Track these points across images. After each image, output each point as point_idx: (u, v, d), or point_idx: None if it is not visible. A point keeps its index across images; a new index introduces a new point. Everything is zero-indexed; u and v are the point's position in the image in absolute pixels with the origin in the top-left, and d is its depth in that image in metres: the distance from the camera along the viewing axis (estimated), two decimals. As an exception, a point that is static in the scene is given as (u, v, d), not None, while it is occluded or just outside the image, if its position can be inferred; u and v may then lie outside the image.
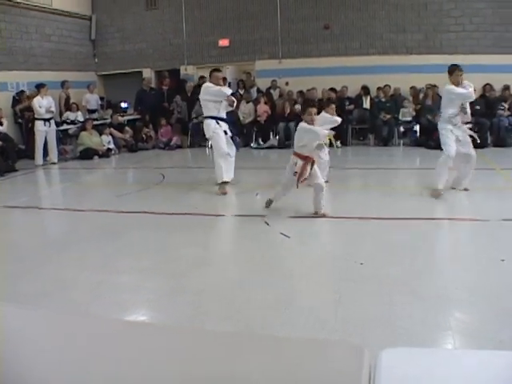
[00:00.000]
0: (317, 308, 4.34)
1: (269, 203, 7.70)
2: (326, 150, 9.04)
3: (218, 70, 9.90)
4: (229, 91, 9.49)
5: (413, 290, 4.62)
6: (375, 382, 1.28)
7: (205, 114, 9.51)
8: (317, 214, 7.28)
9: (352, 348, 1.47)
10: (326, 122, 8.32)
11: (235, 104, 9.70)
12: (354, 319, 4.08)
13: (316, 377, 1.34)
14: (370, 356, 1.40)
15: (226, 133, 9.35)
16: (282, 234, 6.56)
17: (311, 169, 7.15)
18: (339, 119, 8.74)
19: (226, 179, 9.23)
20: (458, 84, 8.26)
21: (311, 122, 7.08)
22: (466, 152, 8.44)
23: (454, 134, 8.35)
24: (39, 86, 13.64)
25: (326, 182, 9.10)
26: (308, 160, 7.07)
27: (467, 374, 1.38)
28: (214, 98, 9.18)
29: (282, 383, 1.36)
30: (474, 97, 8.32)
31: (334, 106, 7.29)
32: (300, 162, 7.09)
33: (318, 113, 7.61)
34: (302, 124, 7.13)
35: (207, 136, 9.54)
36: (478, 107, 13.90)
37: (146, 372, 1.48)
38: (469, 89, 8.16)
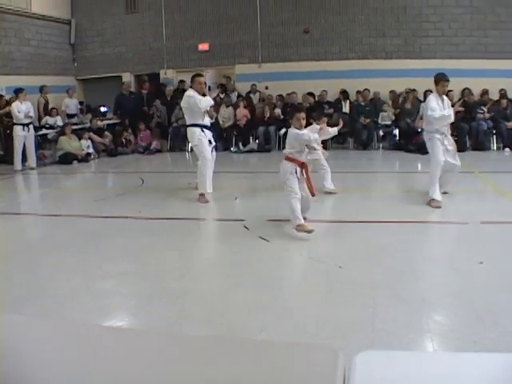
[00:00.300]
0: (298, 311, 4.34)
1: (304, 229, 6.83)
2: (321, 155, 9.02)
3: (199, 74, 9.77)
4: (211, 102, 9.38)
5: (396, 292, 4.63)
6: (350, 385, 1.28)
7: (189, 122, 9.27)
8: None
9: (327, 351, 1.46)
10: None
11: (214, 117, 9.63)
12: (337, 323, 4.08)
13: (291, 380, 1.34)
14: (345, 359, 1.39)
15: (210, 142, 9.21)
16: (261, 237, 6.55)
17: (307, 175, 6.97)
18: (335, 130, 8.59)
19: (209, 190, 9.08)
20: (442, 93, 8.34)
21: (300, 128, 6.95)
22: (452, 161, 8.48)
23: (443, 144, 8.39)
24: (18, 91, 13.52)
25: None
26: (304, 166, 6.94)
27: (444, 376, 1.37)
28: (196, 109, 9.06)
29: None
30: (452, 119, 8.33)
31: (303, 114, 7.03)
32: (298, 169, 6.86)
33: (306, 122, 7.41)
34: (292, 130, 6.98)
35: (192, 144, 9.44)
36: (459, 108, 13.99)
37: (126, 378, 1.47)
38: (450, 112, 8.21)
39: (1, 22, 16.36)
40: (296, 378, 1.34)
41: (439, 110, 8.15)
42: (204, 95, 9.17)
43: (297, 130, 6.80)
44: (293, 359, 1.45)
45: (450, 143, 8.44)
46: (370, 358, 1.42)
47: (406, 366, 1.42)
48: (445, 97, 8.41)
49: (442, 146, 8.34)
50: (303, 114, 6.92)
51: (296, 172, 6.75)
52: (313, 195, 6.88)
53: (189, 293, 4.92)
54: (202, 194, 9.01)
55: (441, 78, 8.30)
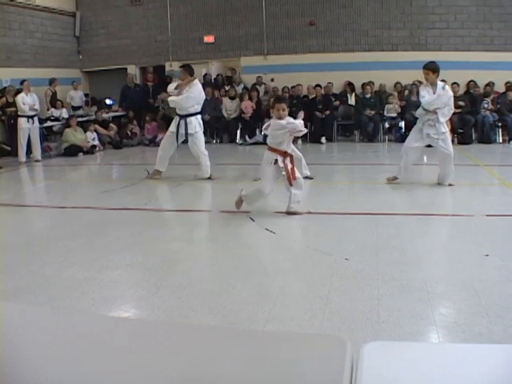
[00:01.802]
0: (303, 303, 4.34)
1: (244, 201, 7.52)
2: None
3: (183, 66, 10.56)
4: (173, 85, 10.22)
5: (401, 284, 4.63)
6: (357, 375, 1.28)
7: (197, 110, 9.92)
8: (291, 212, 7.27)
9: (335, 341, 1.47)
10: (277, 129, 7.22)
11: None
12: (342, 314, 4.09)
13: (298, 371, 1.34)
14: (353, 349, 1.39)
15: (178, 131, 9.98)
16: (267, 229, 6.56)
17: (292, 164, 7.12)
18: (298, 125, 7.08)
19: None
20: (430, 82, 8.65)
21: (279, 119, 7.04)
22: (442, 150, 8.55)
23: (424, 132, 8.63)
24: (23, 83, 13.56)
25: (310, 178, 9.17)
26: (286, 156, 7.05)
27: (451, 367, 1.38)
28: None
29: (265, 377, 1.36)
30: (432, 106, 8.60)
31: (283, 105, 6.97)
32: (280, 159, 7.04)
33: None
34: (275, 121, 7.06)
35: (192, 132, 9.69)
36: (461, 103, 13.99)
37: (131, 368, 1.47)
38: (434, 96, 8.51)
39: (5, 15, 16.35)
40: (304, 368, 1.34)
41: (428, 97, 8.55)
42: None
43: (281, 120, 6.94)
44: (300, 349, 1.45)
45: (437, 132, 8.51)
46: (378, 349, 1.42)
47: (413, 357, 1.42)
48: (439, 85, 8.57)
49: (420, 134, 8.71)
50: (284, 105, 7.09)
51: (276, 162, 7.03)
52: (290, 184, 7.09)
53: (194, 284, 4.92)
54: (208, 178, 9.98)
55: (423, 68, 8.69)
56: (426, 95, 8.50)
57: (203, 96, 10.25)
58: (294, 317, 4.09)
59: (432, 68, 8.53)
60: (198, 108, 9.92)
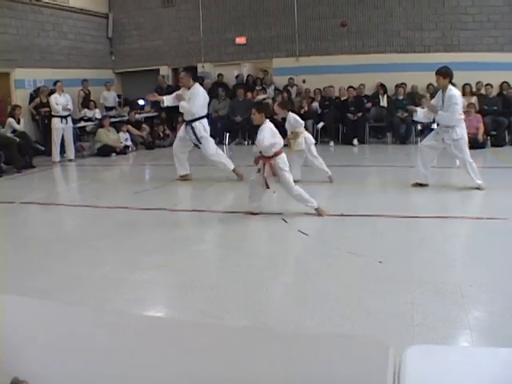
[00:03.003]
0: (337, 305, 4.32)
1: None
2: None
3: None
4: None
5: (434, 288, 4.59)
6: (400, 379, 1.26)
7: (201, 114, 9.93)
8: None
9: (377, 345, 1.45)
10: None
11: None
12: (375, 317, 4.07)
13: (341, 373, 1.32)
14: (395, 353, 1.38)
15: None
16: (300, 231, 6.54)
17: (272, 168, 7.06)
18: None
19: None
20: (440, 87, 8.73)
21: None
22: (458, 156, 8.52)
23: (439, 136, 8.62)
24: (56, 84, 13.72)
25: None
26: (265, 161, 7.03)
27: (493, 371, 1.36)
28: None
29: (304, 380, 1.34)
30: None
31: (253, 110, 7.24)
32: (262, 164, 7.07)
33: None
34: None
35: (201, 135, 9.79)
36: (495, 108, 13.86)
37: (164, 366, 1.47)
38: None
39: (38, 16, 16.53)
40: (345, 371, 1.32)
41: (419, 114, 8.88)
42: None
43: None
44: (341, 352, 1.44)
45: (450, 138, 8.46)
46: (420, 353, 1.40)
47: (453, 361, 1.40)
48: (449, 90, 8.47)
49: (436, 136, 8.72)
50: (254, 110, 7.19)
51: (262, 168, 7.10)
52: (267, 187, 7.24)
53: (225, 284, 4.94)
54: (232, 172, 10.10)
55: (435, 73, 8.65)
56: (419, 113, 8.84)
57: (207, 99, 10.36)
58: (327, 318, 4.07)
59: (443, 73, 8.42)
60: (202, 112, 9.95)
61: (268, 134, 6.94)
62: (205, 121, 9.99)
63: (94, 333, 1.68)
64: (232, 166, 9.99)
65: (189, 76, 10.10)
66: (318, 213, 7.18)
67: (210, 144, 10.01)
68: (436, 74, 8.49)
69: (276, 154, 6.98)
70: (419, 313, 4.08)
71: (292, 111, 9.11)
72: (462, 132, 8.45)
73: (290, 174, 7.22)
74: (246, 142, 16.29)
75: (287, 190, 7.19)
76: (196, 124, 9.77)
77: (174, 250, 6.16)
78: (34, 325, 1.72)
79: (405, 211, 7.44)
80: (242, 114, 15.87)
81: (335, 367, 1.36)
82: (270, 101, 16.16)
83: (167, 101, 10.01)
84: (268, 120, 7.15)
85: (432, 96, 15.50)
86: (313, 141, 9.26)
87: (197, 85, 10.05)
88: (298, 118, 8.98)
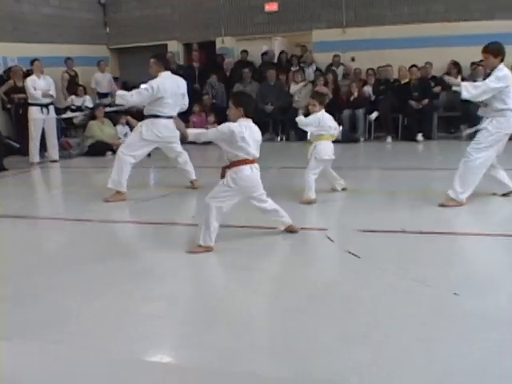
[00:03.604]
0: (399, 350, 4.25)
1: None
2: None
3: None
4: None
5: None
6: None
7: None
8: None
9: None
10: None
11: None
12: (448, 364, 3.97)
13: None
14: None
15: None
16: (349, 252, 6.51)
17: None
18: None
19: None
20: None
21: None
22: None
23: None
24: (33, 63, 13.69)
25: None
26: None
27: None
28: None
29: None
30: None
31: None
32: None
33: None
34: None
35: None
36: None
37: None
38: None
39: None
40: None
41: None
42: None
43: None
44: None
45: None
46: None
47: None
48: (499, 70, 8.49)
49: None
50: (229, 103, 7.15)
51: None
52: None
53: (253, 319, 4.93)
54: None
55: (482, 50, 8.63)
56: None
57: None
58: (385, 368, 4.02)
59: (494, 50, 8.29)
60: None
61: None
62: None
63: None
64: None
65: (160, 64, 10.32)
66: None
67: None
68: (483, 51, 8.31)
69: None
70: (507, 361, 4.01)
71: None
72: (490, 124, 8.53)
73: None
74: (279, 138, 16.23)
75: None
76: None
77: (189, 275, 6.23)
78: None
79: (488, 228, 7.38)
80: (275, 101, 15.87)
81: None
82: (309, 85, 16.17)
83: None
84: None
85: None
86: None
87: (164, 74, 10.15)
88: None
